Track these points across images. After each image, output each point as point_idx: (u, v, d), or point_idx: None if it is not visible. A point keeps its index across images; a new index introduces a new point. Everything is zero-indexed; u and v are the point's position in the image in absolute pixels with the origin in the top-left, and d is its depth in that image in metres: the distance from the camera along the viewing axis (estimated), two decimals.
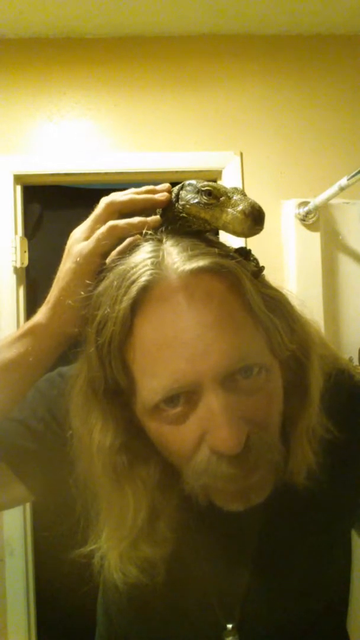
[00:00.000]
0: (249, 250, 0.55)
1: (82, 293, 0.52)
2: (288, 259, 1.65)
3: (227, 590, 0.59)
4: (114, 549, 0.54)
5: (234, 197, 0.49)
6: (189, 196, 0.52)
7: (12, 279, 1.64)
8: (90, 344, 0.50)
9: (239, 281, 0.48)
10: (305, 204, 1.60)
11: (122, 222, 0.54)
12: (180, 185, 0.55)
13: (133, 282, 0.48)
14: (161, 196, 0.56)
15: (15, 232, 1.66)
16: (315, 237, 1.62)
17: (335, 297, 1.66)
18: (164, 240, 0.52)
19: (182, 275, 0.47)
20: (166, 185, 0.57)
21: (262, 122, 1.73)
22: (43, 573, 1.61)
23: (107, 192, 0.58)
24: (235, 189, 0.50)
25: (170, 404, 0.47)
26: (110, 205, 0.55)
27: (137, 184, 0.60)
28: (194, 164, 1.68)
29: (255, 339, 0.48)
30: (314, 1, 1.60)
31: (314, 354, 0.54)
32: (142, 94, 1.71)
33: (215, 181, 0.54)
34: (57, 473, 0.57)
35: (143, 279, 0.47)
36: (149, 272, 0.47)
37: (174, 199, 0.54)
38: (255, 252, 0.55)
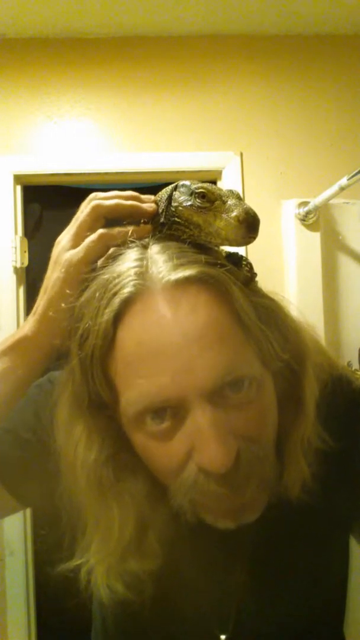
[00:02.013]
0: (241, 257, 0.53)
1: (63, 305, 0.51)
2: (288, 259, 1.65)
3: (221, 601, 0.58)
4: (101, 564, 0.52)
5: (229, 202, 0.47)
6: (182, 198, 0.50)
7: (12, 279, 1.64)
8: (73, 357, 0.49)
9: (228, 291, 0.46)
10: (305, 204, 1.60)
11: (114, 230, 0.52)
12: (173, 185, 0.53)
13: (115, 293, 0.46)
14: (149, 207, 0.54)
15: (15, 232, 1.66)
16: (315, 237, 1.62)
17: (335, 297, 1.66)
18: (150, 246, 0.50)
19: (166, 286, 0.45)
20: (151, 197, 0.56)
21: (262, 122, 1.72)
22: (43, 573, 1.61)
23: (107, 192, 0.57)
24: (231, 192, 0.48)
25: (157, 419, 0.46)
26: (97, 209, 0.53)
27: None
28: (194, 164, 1.68)
29: (245, 350, 0.46)
30: (314, 1, 1.60)
31: (309, 362, 0.52)
32: (142, 94, 1.71)
33: (214, 182, 0.50)
34: (46, 483, 0.55)
35: (126, 290, 0.46)
36: (132, 283, 0.46)
37: (165, 202, 0.52)
38: (255, 253, 0.53)
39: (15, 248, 1.64)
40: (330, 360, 0.61)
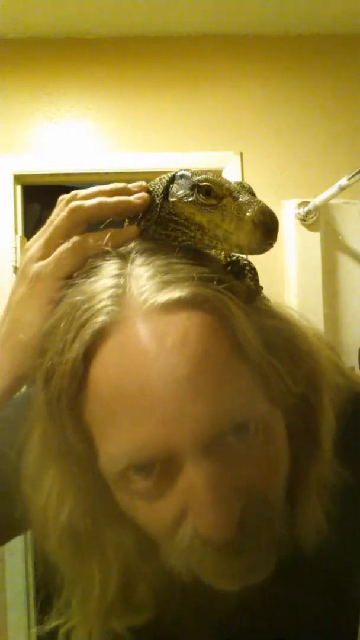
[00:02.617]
0: (244, 265, 0.44)
1: (27, 329, 0.43)
2: (288, 259, 1.65)
3: None
4: (82, 626, 0.45)
5: (240, 199, 0.38)
6: (182, 192, 0.41)
7: (12, 279, 1.64)
8: (40, 395, 0.40)
9: (227, 316, 0.37)
10: (305, 204, 1.60)
11: (91, 238, 0.43)
12: (170, 175, 0.44)
13: (85, 323, 0.37)
14: (139, 198, 0.45)
15: (15, 232, 1.66)
16: (315, 237, 1.62)
17: (335, 297, 1.66)
18: (132, 256, 0.41)
19: (150, 312, 0.37)
20: (141, 184, 0.47)
21: (262, 122, 1.72)
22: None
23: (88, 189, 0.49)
24: (242, 186, 0.40)
25: (142, 473, 0.38)
26: (76, 213, 0.44)
27: None
28: (194, 164, 1.68)
29: (249, 389, 0.38)
30: (314, 1, 1.60)
31: (325, 390, 0.44)
32: (142, 94, 1.71)
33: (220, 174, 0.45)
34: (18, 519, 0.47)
35: (99, 319, 0.37)
36: (106, 310, 0.37)
37: (161, 195, 0.44)
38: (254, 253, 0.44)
39: (15, 248, 1.64)
40: (350, 378, 0.52)
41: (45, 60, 1.71)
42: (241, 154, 1.70)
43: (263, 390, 0.38)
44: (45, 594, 0.46)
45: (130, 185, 0.47)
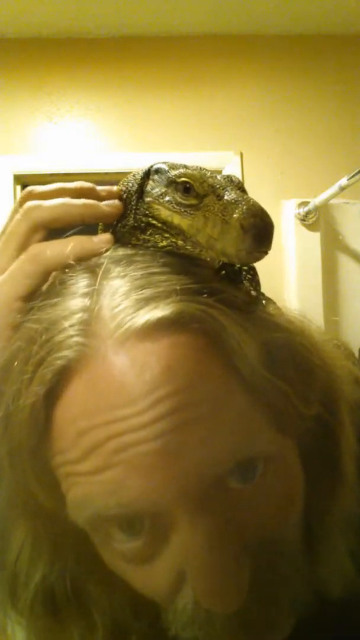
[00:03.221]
0: (240, 271, 0.37)
1: None
2: (288, 259, 1.65)
3: None
4: None
5: (226, 197, 0.31)
6: (157, 190, 0.35)
7: None
8: (1, 444, 0.33)
9: (221, 337, 0.31)
10: (305, 204, 1.60)
11: (51, 249, 0.35)
12: (145, 170, 0.38)
13: (43, 361, 0.30)
14: (110, 206, 0.38)
15: None
16: (315, 237, 1.62)
17: (335, 297, 1.66)
18: (105, 267, 0.34)
19: (124, 340, 0.30)
20: (111, 189, 0.39)
21: (262, 122, 1.72)
22: None
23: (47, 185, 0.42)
24: (229, 179, 0.34)
25: (127, 531, 0.31)
26: (31, 215, 0.36)
27: None
28: (194, 164, 1.68)
29: (251, 421, 0.31)
30: (314, 1, 1.60)
31: (344, 406, 0.37)
32: (142, 94, 1.71)
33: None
34: None
35: (61, 354, 0.30)
36: (70, 343, 0.30)
37: (135, 195, 0.37)
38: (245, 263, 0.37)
39: None
40: None
41: (45, 60, 1.71)
42: (241, 154, 1.70)
43: (269, 419, 0.32)
44: None
45: (99, 188, 0.39)
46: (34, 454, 0.32)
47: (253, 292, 0.36)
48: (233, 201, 0.31)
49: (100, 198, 0.38)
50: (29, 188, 0.38)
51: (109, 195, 0.39)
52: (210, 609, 0.30)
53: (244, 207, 0.30)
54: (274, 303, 0.39)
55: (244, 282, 0.36)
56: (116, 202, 0.38)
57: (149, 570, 0.32)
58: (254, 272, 0.38)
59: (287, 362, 0.33)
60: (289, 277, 1.64)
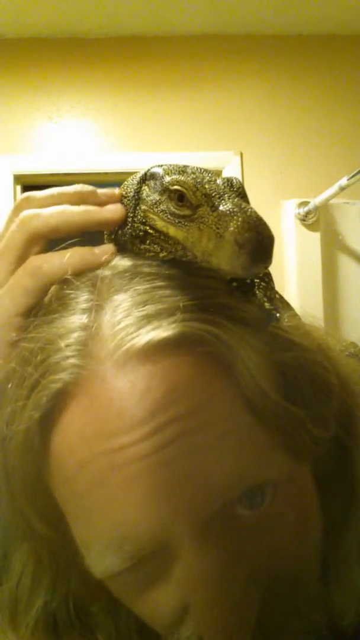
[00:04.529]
0: (253, 284, 0.33)
1: None
2: (288, 259, 1.65)
3: None
4: None
5: (221, 207, 0.28)
6: (152, 197, 0.33)
7: None
8: None
9: (228, 360, 0.29)
10: (305, 204, 1.60)
11: (49, 263, 0.33)
12: (142, 174, 0.35)
13: (37, 384, 0.29)
14: (113, 213, 0.35)
15: None
16: (315, 237, 1.62)
17: (335, 297, 1.66)
18: (107, 280, 0.32)
19: (124, 362, 0.28)
20: (113, 191, 0.36)
21: (262, 122, 1.72)
22: None
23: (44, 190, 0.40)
24: (228, 185, 0.31)
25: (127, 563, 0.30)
26: (30, 225, 0.34)
27: None
28: (194, 164, 1.68)
29: (261, 446, 0.30)
30: (314, 1, 1.60)
31: None
32: (142, 94, 1.71)
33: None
34: None
35: (57, 377, 0.28)
36: (66, 365, 0.28)
37: (132, 201, 0.35)
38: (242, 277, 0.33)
39: None
40: None
41: (45, 60, 1.71)
42: (241, 154, 1.70)
43: (280, 443, 0.30)
44: None
45: (100, 192, 0.36)
46: (30, 481, 0.31)
47: (267, 305, 0.33)
48: (228, 212, 0.28)
49: (101, 202, 0.36)
50: (26, 194, 0.36)
51: (110, 199, 0.36)
52: None
53: (239, 220, 0.27)
54: (291, 309, 0.36)
55: (258, 292, 0.33)
56: (118, 206, 0.36)
57: (151, 600, 0.30)
58: (268, 279, 0.35)
59: (301, 384, 0.31)
60: (289, 277, 1.64)
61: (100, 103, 1.71)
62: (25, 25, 1.66)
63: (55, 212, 0.34)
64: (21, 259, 0.34)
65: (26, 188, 1.71)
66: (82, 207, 0.35)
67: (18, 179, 1.68)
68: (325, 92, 1.75)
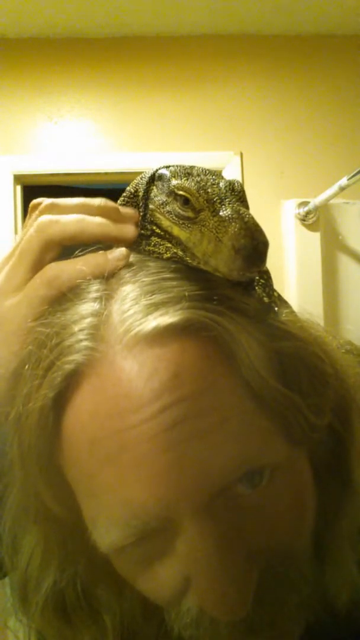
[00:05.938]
0: (253, 280, 0.36)
1: None
2: (288, 259, 1.65)
3: None
4: None
5: (221, 212, 0.31)
6: (159, 198, 0.35)
7: None
8: (13, 448, 0.34)
9: (230, 346, 0.31)
10: (305, 204, 1.60)
11: (67, 272, 0.35)
12: (151, 173, 0.37)
13: (52, 365, 0.31)
14: (126, 233, 0.37)
15: (15, 232, 1.66)
16: (315, 237, 1.62)
17: (335, 297, 1.66)
18: (115, 272, 0.34)
19: (133, 346, 0.30)
20: (133, 213, 0.38)
21: (262, 122, 1.72)
22: None
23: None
24: (230, 189, 0.33)
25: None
26: (48, 231, 0.36)
27: None
28: (194, 164, 1.68)
29: (260, 430, 0.31)
30: (314, 1, 1.60)
31: (356, 417, 0.37)
32: (142, 94, 1.71)
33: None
34: None
35: (70, 358, 0.30)
36: (79, 347, 0.31)
37: (142, 200, 0.37)
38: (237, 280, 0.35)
39: None
40: None
41: (45, 60, 1.71)
42: (241, 154, 1.70)
43: (279, 429, 0.32)
44: None
45: (122, 210, 0.38)
46: (44, 458, 0.32)
47: (265, 299, 0.35)
48: (227, 218, 0.30)
49: (120, 220, 0.38)
50: (51, 201, 0.37)
51: (129, 220, 0.38)
52: (213, 615, 0.30)
53: (237, 226, 0.30)
54: (289, 307, 0.38)
55: (257, 287, 0.36)
56: (131, 228, 0.38)
57: (155, 575, 0.32)
58: (267, 277, 0.37)
59: (298, 372, 0.33)
60: (289, 277, 1.64)
61: (100, 103, 1.71)
62: (25, 25, 1.66)
63: (73, 220, 0.36)
64: (37, 265, 0.36)
65: (26, 188, 1.71)
66: (99, 219, 0.37)
67: (18, 179, 1.68)
68: (326, 92, 1.75)
